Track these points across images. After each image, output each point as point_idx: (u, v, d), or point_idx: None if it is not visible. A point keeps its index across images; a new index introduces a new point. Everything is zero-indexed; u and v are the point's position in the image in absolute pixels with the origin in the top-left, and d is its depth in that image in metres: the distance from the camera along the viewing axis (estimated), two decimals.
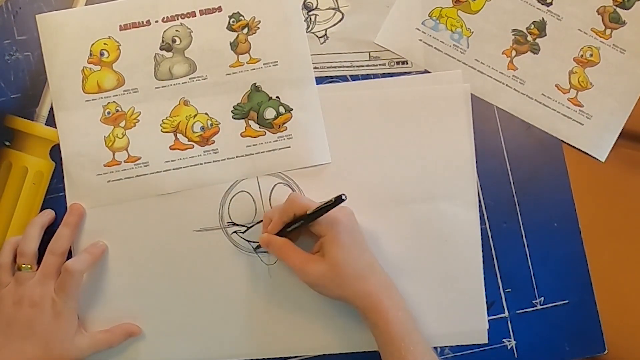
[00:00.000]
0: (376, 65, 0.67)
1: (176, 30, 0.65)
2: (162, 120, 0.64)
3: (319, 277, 0.58)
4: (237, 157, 0.65)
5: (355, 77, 0.67)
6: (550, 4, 0.68)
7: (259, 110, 0.65)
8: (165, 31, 0.65)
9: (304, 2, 0.67)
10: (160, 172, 0.64)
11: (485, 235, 0.65)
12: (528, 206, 0.66)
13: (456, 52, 0.68)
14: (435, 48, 0.68)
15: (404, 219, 0.65)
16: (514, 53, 0.68)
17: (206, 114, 0.65)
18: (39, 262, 0.60)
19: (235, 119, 0.65)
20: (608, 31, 0.69)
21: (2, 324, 0.59)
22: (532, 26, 0.68)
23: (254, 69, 0.65)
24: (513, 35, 0.68)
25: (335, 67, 0.67)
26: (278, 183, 0.65)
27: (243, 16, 0.65)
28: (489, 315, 0.65)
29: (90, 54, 0.65)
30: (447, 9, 0.68)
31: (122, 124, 0.64)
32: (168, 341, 0.63)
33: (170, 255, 0.64)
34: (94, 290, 0.63)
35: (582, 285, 0.66)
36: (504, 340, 0.65)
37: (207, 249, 0.64)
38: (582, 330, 0.66)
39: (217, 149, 0.64)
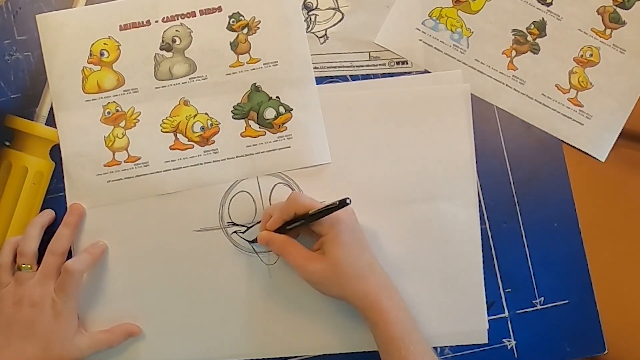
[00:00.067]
0: (376, 65, 0.67)
1: (176, 30, 0.65)
2: (162, 120, 0.64)
3: (319, 276, 0.58)
4: (237, 157, 0.64)
5: (355, 77, 0.67)
6: (550, 4, 0.68)
7: (259, 110, 0.65)
8: (165, 31, 0.65)
9: (304, 2, 0.67)
10: (160, 172, 0.64)
11: (485, 235, 0.65)
12: (528, 206, 0.66)
13: (456, 52, 0.68)
14: (435, 48, 0.68)
15: (404, 219, 0.65)
16: (514, 53, 0.68)
17: (206, 114, 0.65)
18: (39, 262, 0.60)
19: (235, 119, 0.65)
20: (608, 31, 0.69)
21: (2, 324, 0.58)
22: (532, 26, 0.68)
23: (254, 69, 0.65)
24: (513, 35, 0.68)
25: (335, 67, 0.67)
26: (278, 183, 0.65)
27: (243, 16, 0.65)
28: (489, 315, 0.65)
29: (90, 54, 0.65)
30: (447, 9, 0.68)
31: (122, 124, 0.64)
32: (168, 341, 0.63)
33: (170, 255, 0.64)
34: (94, 290, 0.63)
35: (582, 285, 0.66)
36: (504, 340, 0.65)
37: (207, 249, 0.64)
38: (582, 330, 0.66)
39: (217, 149, 0.64)
